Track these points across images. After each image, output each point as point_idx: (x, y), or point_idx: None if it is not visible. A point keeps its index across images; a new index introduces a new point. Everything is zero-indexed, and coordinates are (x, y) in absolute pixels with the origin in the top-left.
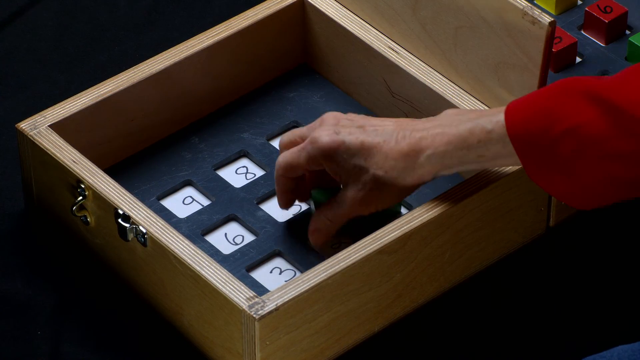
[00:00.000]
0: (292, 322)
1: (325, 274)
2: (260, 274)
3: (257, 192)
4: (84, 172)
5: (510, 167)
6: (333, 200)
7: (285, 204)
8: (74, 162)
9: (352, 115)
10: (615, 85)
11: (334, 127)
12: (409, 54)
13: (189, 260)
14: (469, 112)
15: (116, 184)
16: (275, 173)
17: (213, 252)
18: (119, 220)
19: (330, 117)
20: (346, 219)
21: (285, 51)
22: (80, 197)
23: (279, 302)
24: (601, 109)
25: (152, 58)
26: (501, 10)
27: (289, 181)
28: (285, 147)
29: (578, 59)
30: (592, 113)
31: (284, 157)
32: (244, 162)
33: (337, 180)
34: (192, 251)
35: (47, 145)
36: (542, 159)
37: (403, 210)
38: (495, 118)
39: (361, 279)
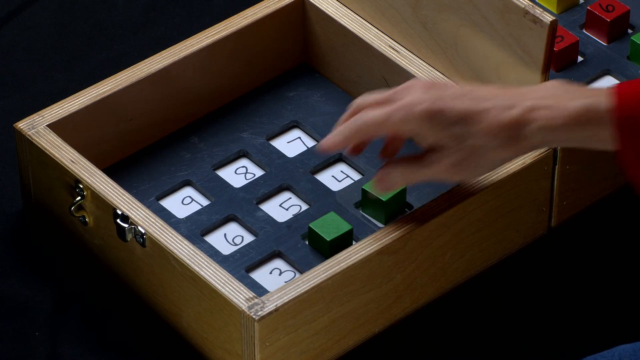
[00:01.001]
0: (292, 323)
1: (325, 274)
2: (260, 275)
3: (256, 192)
4: (83, 172)
5: (514, 165)
6: (417, 159)
7: (332, 149)
8: (73, 162)
9: (447, 83)
10: None
11: (430, 92)
12: (410, 53)
13: (188, 261)
14: (574, 86)
15: (115, 184)
16: (348, 127)
17: (212, 253)
18: (118, 220)
19: (421, 82)
20: (425, 180)
21: (285, 50)
22: (79, 197)
23: (279, 303)
24: None
25: (151, 57)
26: (502, 9)
27: (364, 140)
28: (361, 108)
29: (580, 58)
30: None
31: (372, 114)
32: (244, 162)
33: (425, 146)
34: (191, 252)
35: (45, 145)
36: None
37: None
38: (607, 100)
39: (361, 279)
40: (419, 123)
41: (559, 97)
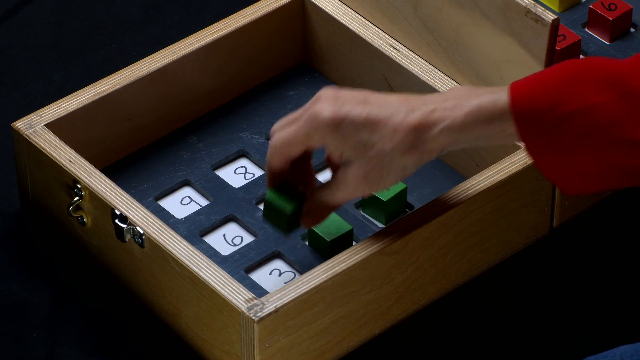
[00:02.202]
0: (291, 325)
1: (325, 275)
2: (260, 276)
3: (256, 192)
4: (81, 171)
5: (516, 165)
6: (332, 181)
7: (272, 184)
8: (70, 161)
9: (350, 90)
10: (633, 69)
11: (334, 101)
12: (411, 52)
13: (187, 262)
14: (478, 88)
15: (113, 184)
16: (267, 154)
17: (211, 253)
18: (116, 220)
19: (329, 92)
20: (344, 201)
21: (285, 49)
22: (77, 198)
23: (278, 304)
24: (616, 92)
25: (150, 56)
26: (504, 8)
27: (282, 162)
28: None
29: (582, 57)
30: (605, 95)
31: (280, 135)
32: (243, 162)
33: (337, 159)
34: (190, 252)
35: (43, 145)
36: (545, 138)
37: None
38: (506, 96)
39: (362, 280)
40: (324, 132)
41: (460, 98)
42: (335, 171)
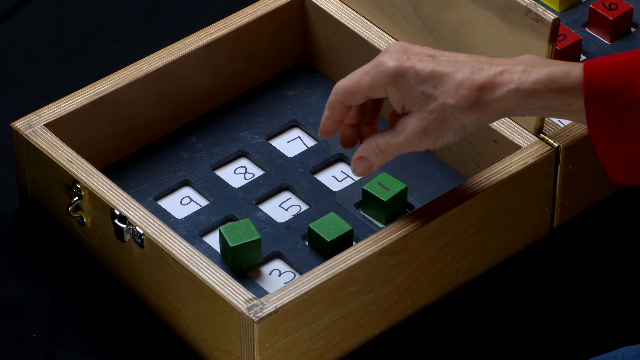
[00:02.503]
0: (291, 325)
1: (325, 275)
2: (260, 276)
3: (256, 192)
4: (80, 172)
5: (516, 165)
6: (390, 129)
7: (327, 132)
8: (70, 161)
9: (420, 46)
10: None
11: (402, 54)
12: None
13: (186, 262)
14: (551, 60)
15: (113, 184)
16: (329, 99)
17: (211, 254)
18: (116, 221)
19: (398, 45)
20: (399, 151)
21: (285, 49)
22: (76, 198)
23: (278, 304)
24: None
25: (150, 56)
26: (504, 8)
27: (343, 109)
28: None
29: (582, 57)
30: None
31: (343, 81)
32: (243, 161)
33: (398, 109)
34: (190, 252)
35: (42, 145)
36: (612, 119)
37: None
38: (579, 70)
39: (362, 280)
40: (387, 82)
41: (531, 64)
42: (394, 122)
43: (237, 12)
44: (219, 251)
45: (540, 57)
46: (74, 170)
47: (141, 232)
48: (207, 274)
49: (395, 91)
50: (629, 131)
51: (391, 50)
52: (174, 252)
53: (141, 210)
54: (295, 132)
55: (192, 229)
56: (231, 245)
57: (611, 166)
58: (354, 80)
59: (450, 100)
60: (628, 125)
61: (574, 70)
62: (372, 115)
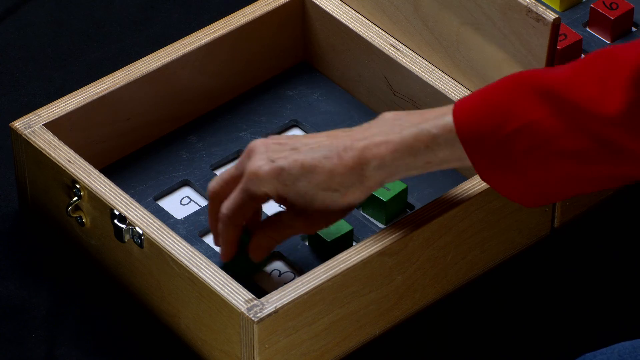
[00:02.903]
0: (291, 325)
1: (325, 276)
2: (259, 276)
3: None
4: (79, 172)
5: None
6: (279, 219)
7: (230, 255)
8: (69, 161)
9: (278, 138)
10: (567, 79)
11: (266, 155)
12: (411, 52)
13: (186, 262)
14: (409, 115)
15: (112, 184)
16: (218, 226)
17: (211, 254)
18: (115, 221)
19: (258, 145)
20: (288, 237)
21: (285, 49)
22: (76, 198)
23: (278, 304)
24: (553, 105)
25: (149, 56)
26: (505, 7)
27: (237, 230)
28: (215, 194)
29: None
30: (544, 110)
31: (227, 206)
32: None
33: (285, 205)
34: (190, 252)
35: (41, 145)
36: (493, 158)
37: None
38: (441, 121)
39: (362, 281)
40: (267, 187)
41: (391, 131)
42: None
43: (237, 12)
44: (218, 251)
45: (397, 116)
46: (73, 170)
47: (141, 232)
48: (206, 274)
49: (276, 192)
50: (513, 165)
51: (254, 152)
52: (173, 252)
53: (141, 211)
54: (295, 132)
55: (192, 229)
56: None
57: (515, 197)
58: (236, 201)
59: (326, 191)
60: (510, 160)
61: (436, 125)
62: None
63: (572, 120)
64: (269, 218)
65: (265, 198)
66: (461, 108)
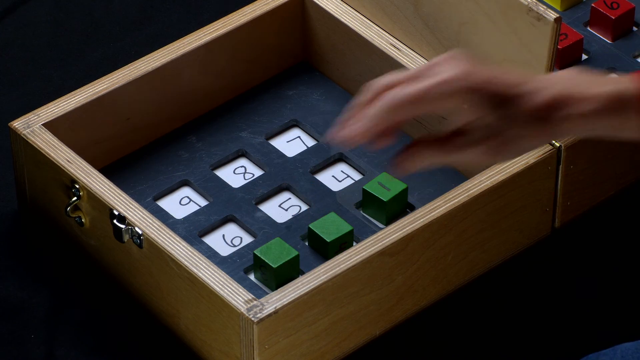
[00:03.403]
0: (291, 326)
1: (325, 276)
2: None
3: (255, 192)
4: (79, 172)
5: (517, 165)
6: (448, 141)
7: (361, 136)
8: (68, 161)
9: (482, 61)
10: None
11: (472, 68)
12: (411, 51)
13: (185, 262)
14: (602, 76)
15: (111, 184)
16: (378, 105)
17: (210, 254)
18: (114, 221)
19: (458, 58)
20: (458, 160)
21: (285, 48)
22: (75, 198)
23: (278, 305)
24: None
25: (149, 55)
26: (505, 6)
27: (395, 118)
28: (387, 87)
29: (584, 56)
30: None
31: (405, 91)
32: (242, 161)
33: (458, 124)
34: (189, 253)
35: (40, 145)
36: None
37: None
38: (633, 86)
39: (362, 281)
40: (460, 100)
41: (588, 83)
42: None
43: (237, 11)
44: (218, 251)
45: (590, 73)
46: (72, 170)
47: (140, 232)
48: (206, 274)
49: (466, 110)
50: None
51: (455, 63)
52: (173, 252)
53: (140, 211)
54: (295, 132)
55: (191, 230)
56: (274, 266)
57: None
58: (422, 90)
59: (519, 123)
60: None
61: (628, 87)
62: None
63: None
64: (434, 137)
65: (442, 112)
66: None
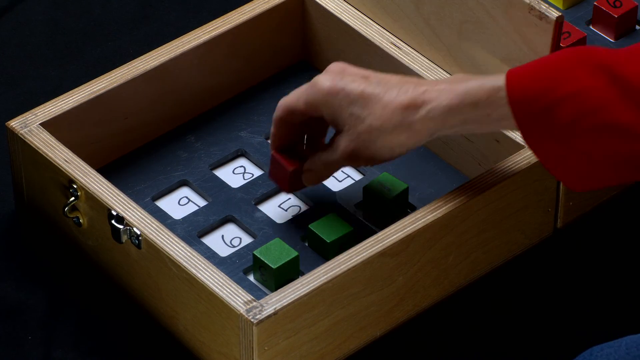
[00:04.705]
0: (291, 327)
1: (325, 276)
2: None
3: (255, 192)
4: (76, 171)
5: (520, 165)
6: (329, 145)
7: (276, 147)
8: (66, 161)
9: (357, 68)
10: (625, 57)
11: (337, 75)
12: (412, 50)
13: (184, 263)
14: (476, 75)
15: (109, 184)
16: (274, 114)
17: (209, 255)
18: (113, 221)
19: (337, 66)
20: (338, 168)
21: (284, 47)
22: (73, 198)
23: (278, 306)
24: (607, 78)
25: (147, 54)
26: (507, 5)
27: (288, 126)
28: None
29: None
30: (596, 81)
31: (283, 100)
32: (242, 161)
33: (334, 127)
34: (188, 253)
35: (38, 144)
36: (539, 124)
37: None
38: (498, 81)
39: (362, 282)
40: (321, 101)
41: (453, 82)
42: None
43: (236, 10)
44: (217, 252)
45: (465, 75)
46: (70, 170)
47: (138, 233)
48: (205, 275)
49: (328, 110)
50: (558, 133)
51: (329, 70)
52: (171, 253)
53: (138, 211)
54: None
55: (190, 230)
56: (274, 267)
57: (560, 173)
58: (292, 99)
59: (376, 122)
60: (556, 127)
61: (488, 81)
62: (319, 135)
63: (625, 93)
64: (323, 147)
65: (315, 112)
66: (514, 72)
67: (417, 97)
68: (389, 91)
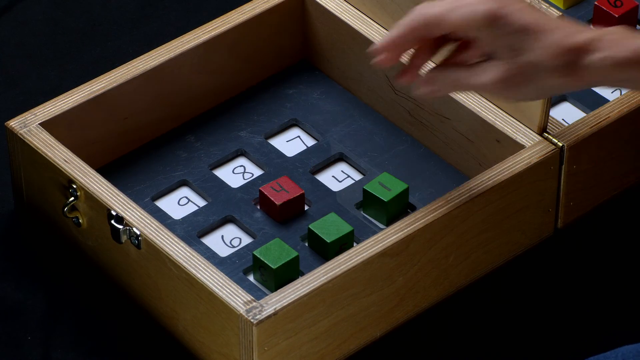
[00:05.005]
0: (291, 327)
1: (325, 277)
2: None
3: (255, 192)
4: (76, 171)
5: (520, 165)
6: (468, 67)
7: (388, 47)
8: (66, 161)
9: None
10: None
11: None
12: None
13: (184, 263)
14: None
15: (109, 184)
16: (405, 21)
17: (209, 255)
18: (112, 221)
19: None
20: (471, 91)
21: (284, 47)
22: (72, 198)
23: (278, 306)
24: None
25: (147, 54)
26: None
27: (415, 39)
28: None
29: None
30: None
31: (425, 9)
32: (242, 161)
33: (480, 53)
34: (188, 254)
35: (37, 144)
36: None
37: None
38: None
39: (362, 282)
40: (480, 24)
41: (626, 35)
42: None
43: (236, 9)
44: (217, 252)
45: (630, 30)
46: (69, 170)
47: (138, 233)
48: (205, 275)
49: (485, 36)
50: None
51: None
52: (171, 253)
53: (138, 211)
54: (295, 132)
55: (190, 230)
56: (274, 267)
57: None
58: (444, 9)
59: (539, 57)
60: None
61: None
62: (430, 53)
63: None
64: (456, 62)
65: (469, 34)
66: None
67: (589, 41)
68: (558, 28)
